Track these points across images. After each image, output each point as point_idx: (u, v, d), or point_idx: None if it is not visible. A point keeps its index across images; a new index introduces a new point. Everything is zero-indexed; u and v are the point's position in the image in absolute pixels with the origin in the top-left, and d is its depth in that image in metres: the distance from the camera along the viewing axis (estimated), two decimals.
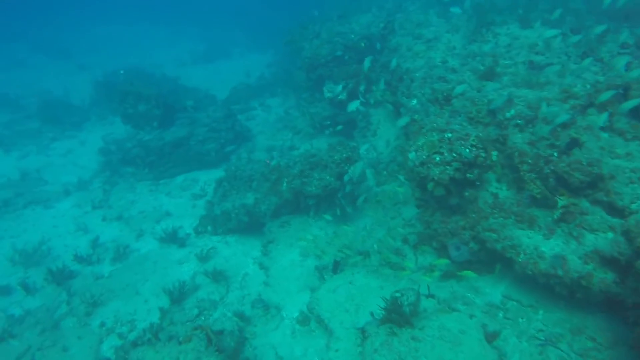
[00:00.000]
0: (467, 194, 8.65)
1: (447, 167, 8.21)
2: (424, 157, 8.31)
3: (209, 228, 14.66)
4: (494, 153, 8.79)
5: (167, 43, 43.95)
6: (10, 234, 15.84)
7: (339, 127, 15.10)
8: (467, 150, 8.12)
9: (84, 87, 29.74)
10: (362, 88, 15.93)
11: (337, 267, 10.83)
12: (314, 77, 17.09)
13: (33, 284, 13.05)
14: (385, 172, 13.93)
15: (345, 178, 12.08)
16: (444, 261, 9.23)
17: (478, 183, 8.58)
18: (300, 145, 18.26)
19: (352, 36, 16.52)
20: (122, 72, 28.90)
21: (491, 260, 9.06)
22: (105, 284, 12.77)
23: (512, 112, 8.70)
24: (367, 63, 11.89)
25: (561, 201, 7.99)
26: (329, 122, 16.76)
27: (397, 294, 8.89)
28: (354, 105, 12.46)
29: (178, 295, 11.73)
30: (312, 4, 32.42)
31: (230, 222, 13.97)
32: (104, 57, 38.84)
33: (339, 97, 16.24)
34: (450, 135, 8.34)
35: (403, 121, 10.18)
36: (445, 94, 9.85)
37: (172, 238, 14.39)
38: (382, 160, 14.27)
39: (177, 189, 17.83)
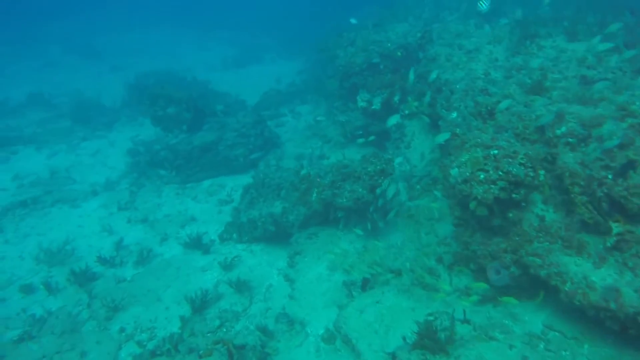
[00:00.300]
0: (511, 215, 8.09)
1: (492, 186, 7.68)
2: (467, 174, 7.80)
3: (234, 235, 14.35)
4: (541, 172, 8.23)
5: (198, 47, 44.26)
6: (37, 232, 15.81)
7: (372, 138, 14.64)
8: (515, 169, 7.58)
9: (116, 89, 29.96)
10: (396, 98, 15.46)
11: (366, 284, 10.36)
12: (348, 85, 16.68)
13: (55, 284, 12.91)
14: (418, 187, 13.43)
15: (378, 191, 11.60)
16: (482, 285, 8.68)
17: (523, 204, 8.02)
18: (331, 154, 17.84)
19: (389, 45, 16.07)
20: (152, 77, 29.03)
21: (532, 286, 8.48)
22: (127, 288, 12.52)
23: (563, 129, 8.13)
24: (411, 75, 11.24)
25: (616, 228, 7.37)
26: (360, 132, 16.33)
27: (431, 317, 8.39)
28: (394, 120, 11.99)
29: (200, 304, 11.41)
30: (344, 12, 32.20)
31: (256, 231, 13.62)
32: (136, 60, 39.29)
33: (373, 107, 15.78)
34: (496, 152, 7.81)
35: (442, 137, 9.63)
36: (489, 108, 9.32)
37: (197, 244, 14.11)
38: (416, 174, 13.77)
39: (204, 193, 17.60)
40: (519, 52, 12.41)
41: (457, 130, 9.05)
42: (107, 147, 22.58)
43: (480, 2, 12.22)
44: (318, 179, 12.29)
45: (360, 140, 14.30)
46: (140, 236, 15.30)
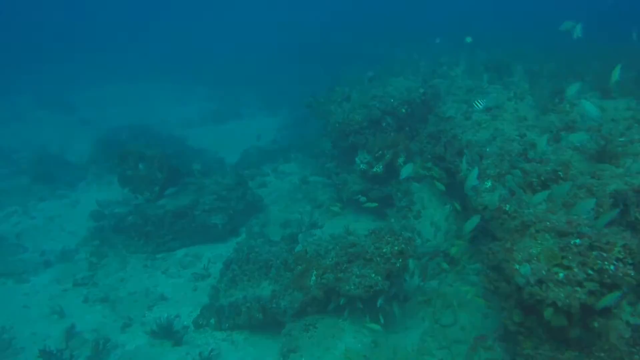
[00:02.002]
0: (596, 324, 6.02)
1: (578, 288, 5.64)
2: (543, 272, 5.76)
3: (212, 321, 11.97)
4: None
5: (175, 102, 42.47)
6: None
7: (374, 204, 12.68)
8: (612, 267, 5.59)
9: (85, 144, 27.62)
10: (401, 160, 13.61)
11: None
12: (345, 145, 14.78)
13: None
14: (432, 265, 11.38)
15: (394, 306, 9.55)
16: None
17: (615, 311, 5.98)
18: (324, 222, 15.68)
19: (392, 100, 14.40)
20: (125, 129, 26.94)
21: None
22: None
23: None
24: (464, 164, 8.92)
25: None
26: (358, 197, 14.34)
27: None
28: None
29: None
30: (327, 67, 31.04)
31: (240, 317, 11.28)
32: (109, 114, 37.16)
33: (374, 170, 13.87)
34: (578, 241, 5.84)
35: (474, 222, 7.58)
36: (542, 178, 7.44)
37: (166, 332, 11.65)
38: (427, 250, 11.74)
39: (176, 265, 15.15)
40: (548, 109, 10.78)
41: (507, 207, 7.09)
42: (68, 209, 20.01)
43: (476, 102, 11.03)
44: (318, 258, 10.10)
45: (355, 207, 12.15)
46: (98, 320, 12.74)
